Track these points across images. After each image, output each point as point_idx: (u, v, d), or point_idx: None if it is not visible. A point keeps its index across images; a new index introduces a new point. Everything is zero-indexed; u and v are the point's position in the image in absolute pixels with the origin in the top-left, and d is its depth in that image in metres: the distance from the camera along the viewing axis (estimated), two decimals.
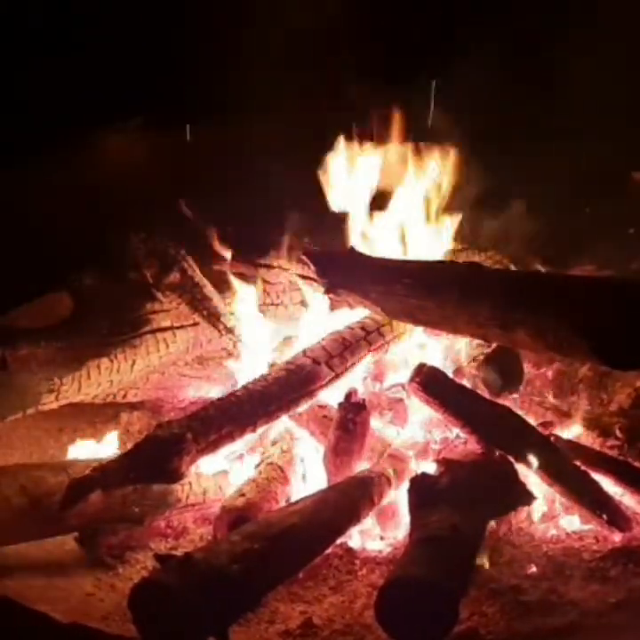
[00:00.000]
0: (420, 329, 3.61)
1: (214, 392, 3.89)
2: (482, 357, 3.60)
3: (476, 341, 3.55)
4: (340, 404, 3.29)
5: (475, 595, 2.68)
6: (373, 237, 4.01)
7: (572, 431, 3.47)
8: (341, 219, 4.05)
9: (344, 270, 3.61)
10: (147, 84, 5.30)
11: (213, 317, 3.82)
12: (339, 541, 2.97)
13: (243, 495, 3.11)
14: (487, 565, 2.85)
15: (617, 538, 2.97)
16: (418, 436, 3.44)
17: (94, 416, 4.05)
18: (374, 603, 2.43)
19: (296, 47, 4.76)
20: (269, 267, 4.19)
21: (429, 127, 4.79)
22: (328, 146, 4.09)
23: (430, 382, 3.31)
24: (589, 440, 3.43)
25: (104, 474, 2.94)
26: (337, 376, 3.37)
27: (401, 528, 3.10)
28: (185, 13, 5.33)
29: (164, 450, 2.87)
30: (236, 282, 4.00)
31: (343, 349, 3.41)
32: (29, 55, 5.08)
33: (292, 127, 5.05)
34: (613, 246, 4.53)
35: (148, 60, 5.30)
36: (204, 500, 3.25)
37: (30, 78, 5.00)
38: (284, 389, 3.22)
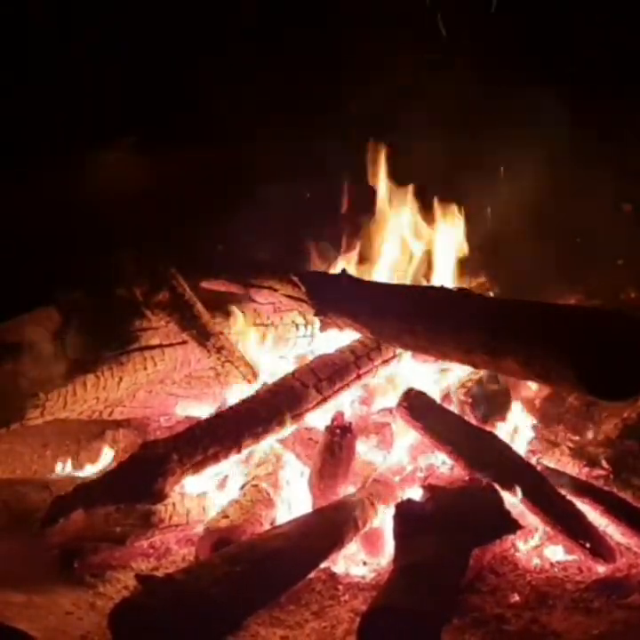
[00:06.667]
0: (408, 354, 3.61)
1: (201, 412, 3.88)
2: (470, 384, 3.60)
3: (466, 368, 3.56)
4: (327, 428, 3.29)
5: (457, 623, 2.66)
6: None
7: (559, 460, 3.47)
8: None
9: (335, 292, 3.61)
10: (142, 101, 5.31)
11: (202, 336, 3.81)
12: (322, 566, 2.96)
13: (226, 517, 3.09)
14: None
15: (601, 569, 2.96)
16: (404, 462, 3.43)
17: (80, 433, 4.02)
18: (357, 629, 2.41)
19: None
20: (260, 287, 4.19)
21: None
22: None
23: (418, 407, 3.31)
24: (575, 470, 3.43)
25: (87, 492, 2.92)
26: (325, 399, 3.37)
27: (385, 554, 3.08)
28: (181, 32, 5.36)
29: (148, 470, 2.86)
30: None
31: (332, 373, 3.41)
32: (26, 69, 5.09)
33: (289, 147, 5.06)
34: (602, 277, 4.55)
35: (144, 78, 5.32)
36: (187, 520, 3.22)
37: (25, 93, 5.01)
38: (271, 411, 3.21)
